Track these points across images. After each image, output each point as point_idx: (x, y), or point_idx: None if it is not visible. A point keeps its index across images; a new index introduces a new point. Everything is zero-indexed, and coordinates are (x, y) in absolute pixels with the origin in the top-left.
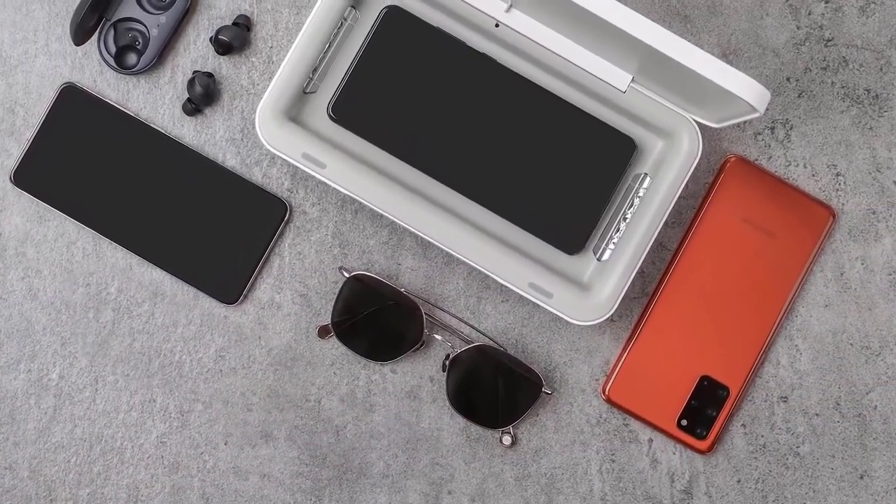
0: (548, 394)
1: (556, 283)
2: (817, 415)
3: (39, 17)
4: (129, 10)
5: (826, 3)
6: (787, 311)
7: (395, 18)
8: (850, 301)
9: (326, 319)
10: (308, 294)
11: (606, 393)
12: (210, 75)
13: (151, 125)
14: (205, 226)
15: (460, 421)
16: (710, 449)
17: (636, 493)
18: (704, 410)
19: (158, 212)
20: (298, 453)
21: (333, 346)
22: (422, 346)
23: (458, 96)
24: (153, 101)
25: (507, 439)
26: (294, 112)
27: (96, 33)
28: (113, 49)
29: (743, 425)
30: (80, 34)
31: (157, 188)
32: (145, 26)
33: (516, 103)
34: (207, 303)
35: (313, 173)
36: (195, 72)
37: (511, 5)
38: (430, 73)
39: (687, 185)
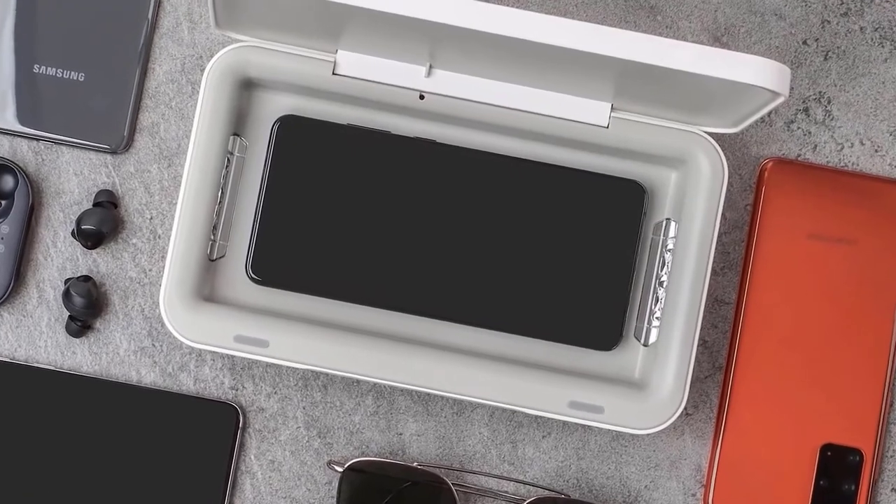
0: None
1: (603, 391)
2: None
3: None
4: None
5: None
6: None
7: (292, 130)
8: None
9: None
10: None
11: None
12: (87, 279)
13: (35, 365)
14: (143, 468)
15: None
16: None
17: None
18: (840, 487)
19: (80, 471)
20: None
21: None
22: None
23: (404, 201)
24: (27, 334)
25: None
26: (206, 290)
27: None
28: None
29: (894, 490)
30: None
31: (68, 442)
32: None
33: (479, 185)
34: None
35: (256, 357)
36: (67, 280)
37: (430, 66)
38: (361, 183)
39: (724, 216)
